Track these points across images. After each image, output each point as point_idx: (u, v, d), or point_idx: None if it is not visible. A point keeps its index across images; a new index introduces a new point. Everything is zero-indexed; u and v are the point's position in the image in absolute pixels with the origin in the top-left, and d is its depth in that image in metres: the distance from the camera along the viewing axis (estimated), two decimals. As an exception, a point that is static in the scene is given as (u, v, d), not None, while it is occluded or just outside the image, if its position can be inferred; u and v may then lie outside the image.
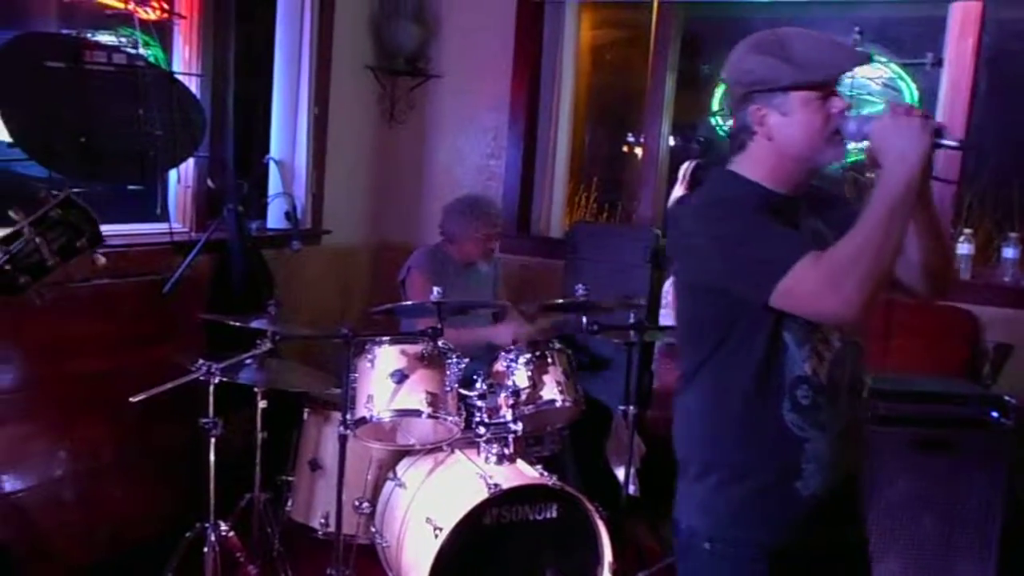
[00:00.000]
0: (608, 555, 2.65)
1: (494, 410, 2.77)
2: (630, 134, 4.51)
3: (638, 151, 4.40)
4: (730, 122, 1.59)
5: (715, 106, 4.11)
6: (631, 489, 3.26)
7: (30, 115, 2.72)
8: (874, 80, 3.74)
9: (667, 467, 3.66)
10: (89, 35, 3.08)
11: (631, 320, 3.10)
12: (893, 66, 3.71)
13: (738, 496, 1.53)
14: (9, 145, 2.71)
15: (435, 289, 2.68)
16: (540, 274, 4.13)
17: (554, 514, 2.61)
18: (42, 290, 1.19)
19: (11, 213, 1.25)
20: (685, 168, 3.20)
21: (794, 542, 1.53)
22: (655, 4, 4.02)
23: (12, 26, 2.93)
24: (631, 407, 3.01)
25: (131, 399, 2.39)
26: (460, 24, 4.29)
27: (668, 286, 3.89)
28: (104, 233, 3.12)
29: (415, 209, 4.40)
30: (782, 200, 1.52)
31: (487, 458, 2.72)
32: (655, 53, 4.03)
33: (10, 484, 2.80)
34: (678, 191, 3.18)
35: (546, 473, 2.67)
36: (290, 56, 3.74)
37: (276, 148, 3.81)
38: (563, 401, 2.84)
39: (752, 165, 1.53)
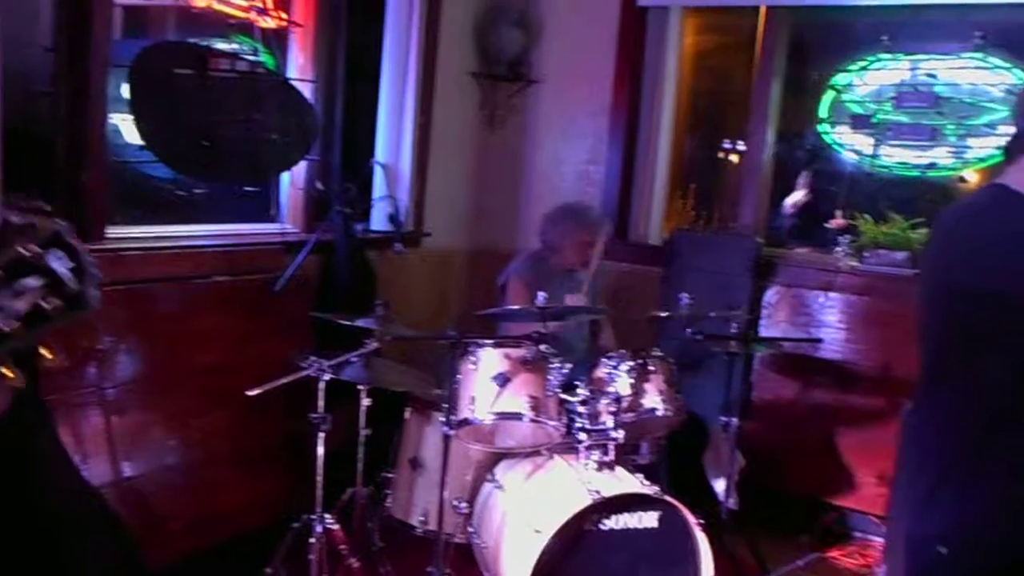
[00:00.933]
0: (707, 569, 2.61)
1: (595, 416, 2.76)
2: (726, 140, 4.43)
3: (733, 158, 4.33)
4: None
5: (823, 113, 4.01)
6: (730, 503, 3.21)
7: (159, 119, 2.87)
8: (996, 87, 3.58)
9: (766, 481, 3.60)
10: (205, 42, 3.24)
11: (733, 330, 3.06)
12: (1017, 72, 3.54)
13: (987, 505, 1.47)
14: (140, 148, 2.87)
15: (540, 294, 2.70)
16: (638, 281, 4.11)
17: (655, 524, 2.59)
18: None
19: None
20: (804, 176, 3.13)
21: None
22: (762, 9, 3.95)
23: (144, 35, 3.10)
24: (733, 419, 2.95)
25: (248, 392, 2.49)
26: (563, 30, 4.31)
27: (771, 295, 3.82)
28: (222, 232, 3.29)
29: (513, 214, 4.44)
30: None
31: (587, 464, 2.72)
32: (761, 59, 3.96)
33: (130, 469, 2.95)
34: (798, 198, 3.11)
35: (647, 482, 2.65)
36: (397, 62, 3.82)
37: (382, 152, 3.91)
38: (664, 410, 2.81)
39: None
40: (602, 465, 2.71)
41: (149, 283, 2.88)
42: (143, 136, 2.83)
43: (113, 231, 2.82)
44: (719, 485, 3.29)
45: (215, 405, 3.09)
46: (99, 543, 2.47)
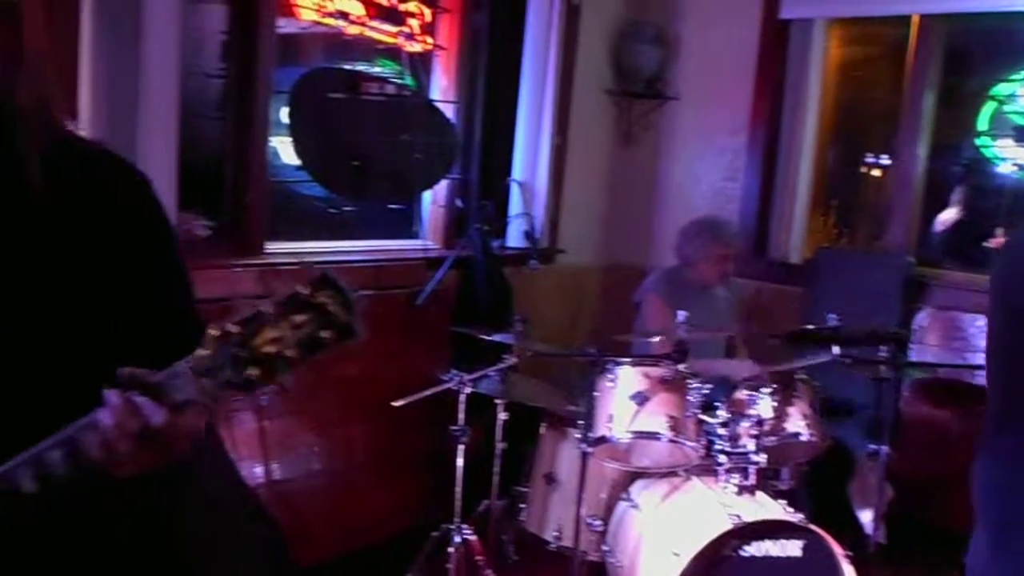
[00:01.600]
0: (854, 602, 2.50)
1: (735, 439, 2.70)
2: (869, 154, 4.26)
3: (877, 173, 4.15)
4: None
5: (982, 125, 3.78)
6: (878, 535, 3.06)
7: (314, 141, 3.03)
8: None
9: (915, 513, 3.40)
10: (347, 66, 3.40)
11: (883, 354, 2.92)
12: None
13: None
14: (296, 168, 3.04)
15: (680, 313, 2.67)
16: (777, 300, 3.99)
17: (798, 553, 2.50)
18: (278, 385, 0.95)
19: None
20: (958, 192, 2.97)
21: None
22: (914, 18, 3.78)
23: (296, 62, 3.29)
24: (883, 447, 2.82)
25: (393, 404, 2.59)
26: (700, 45, 4.26)
27: (922, 318, 3.63)
28: (369, 248, 3.42)
29: (648, 231, 4.41)
30: None
31: (726, 487, 2.66)
32: (913, 69, 3.79)
33: (279, 472, 3.11)
34: (951, 215, 2.96)
35: (791, 509, 2.57)
36: (535, 82, 3.89)
37: (519, 170, 3.97)
38: (809, 435, 2.72)
39: None
40: (742, 489, 2.64)
41: (303, 296, 3.04)
42: (300, 157, 3.00)
43: (271, 246, 3.00)
44: (865, 516, 3.14)
45: (358, 414, 3.22)
46: (254, 539, 2.63)
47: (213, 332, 0.91)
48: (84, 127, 2.38)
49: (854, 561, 2.53)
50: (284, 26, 3.01)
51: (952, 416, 3.56)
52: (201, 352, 0.92)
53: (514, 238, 3.96)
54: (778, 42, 4.05)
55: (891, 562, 3.03)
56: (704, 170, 4.30)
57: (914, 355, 3.59)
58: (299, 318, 0.91)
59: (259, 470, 3.03)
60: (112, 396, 0.92)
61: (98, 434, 0.93)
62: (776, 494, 2.80)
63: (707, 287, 3.32)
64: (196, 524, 2.08)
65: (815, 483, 3.17)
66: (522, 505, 3.11)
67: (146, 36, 2.40)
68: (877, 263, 3.74)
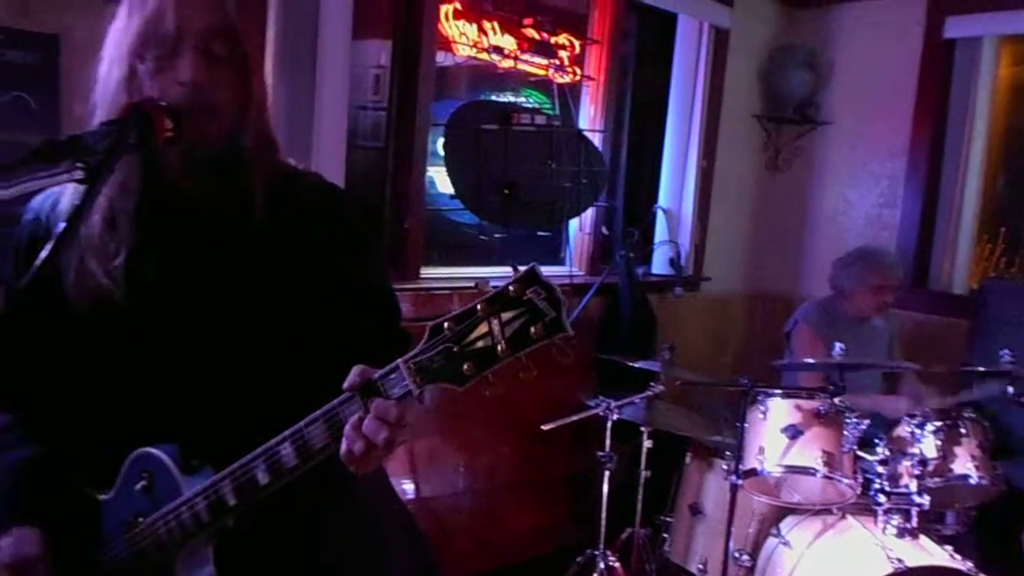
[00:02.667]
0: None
1: (895, 478, 2.58)
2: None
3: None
4: None
5: None
6: (1055, 591, 2.84)
7: (468, 171, 3.15)
8: None
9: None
10: (493, 97, 3.51)
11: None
12: None
13: None
14: (450, 196, 3.17)
15: (838, 345, 2.59)
16: (939, 334, 3.78)
17: (966, 603, 2.35)
18: (488, 381, 0.98)
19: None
20: None
21: None
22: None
23: (447, 95, 3.45)
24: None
25: (543, 427, 2.64)
26: (856, 69, 4.14)
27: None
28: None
29: (796, 259, 4.29)
30: None
31: (885, 529, 2.54)
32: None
33: (427, 488, 3.22)
34: None
35: (958, 556, 2.42)
36: (682, 109, 3.89)
37: (664, 197, 3.97)
38: (978, 478, 2.55)
39: None
40: (904, 532, 2.51)
41: (454, 319, 3.16)
42: (453, 186, 3.13)
43: (426, 271, 3.13)
44: (1043, 570, 2.91)
45: (503, 436, 3.29)
46: (406, 549, 2.74)
47: (429, 329, 0.98)
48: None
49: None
50: (442, 61, 3.16)
51: None
52: (418, 348, 0.98)
53: (659, 265, 3.95)
54: (941, 62, 3.87)
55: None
56: (858, 196, 4.15)
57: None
58: (508, 314, 0.96)
59: (408, 487, 3.14)
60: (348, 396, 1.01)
61: (329, 428, 1.03)
62: (940, 539, 2.65)
63: (863, 319, 3.19)
64: (353, 528, 2.20)
65: (984, 529, 2.98)
66: (666, 535, 3.08)
67: (321, 73, 2.58)
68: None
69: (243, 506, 1.11)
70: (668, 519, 3.10)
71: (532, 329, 0.96)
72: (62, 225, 0.98)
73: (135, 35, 1.12)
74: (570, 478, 3.32)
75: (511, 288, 0.96)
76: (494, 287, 0.96)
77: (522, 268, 0.96)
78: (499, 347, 0.96)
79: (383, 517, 2.79)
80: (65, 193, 1.20)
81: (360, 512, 2.42)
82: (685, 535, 3.02)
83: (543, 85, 3.49)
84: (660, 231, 3.99)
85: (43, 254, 0.95)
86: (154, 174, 1.19)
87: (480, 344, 0.97)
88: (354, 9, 2.68)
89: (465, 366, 0.97)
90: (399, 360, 0.99)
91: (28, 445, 1.24)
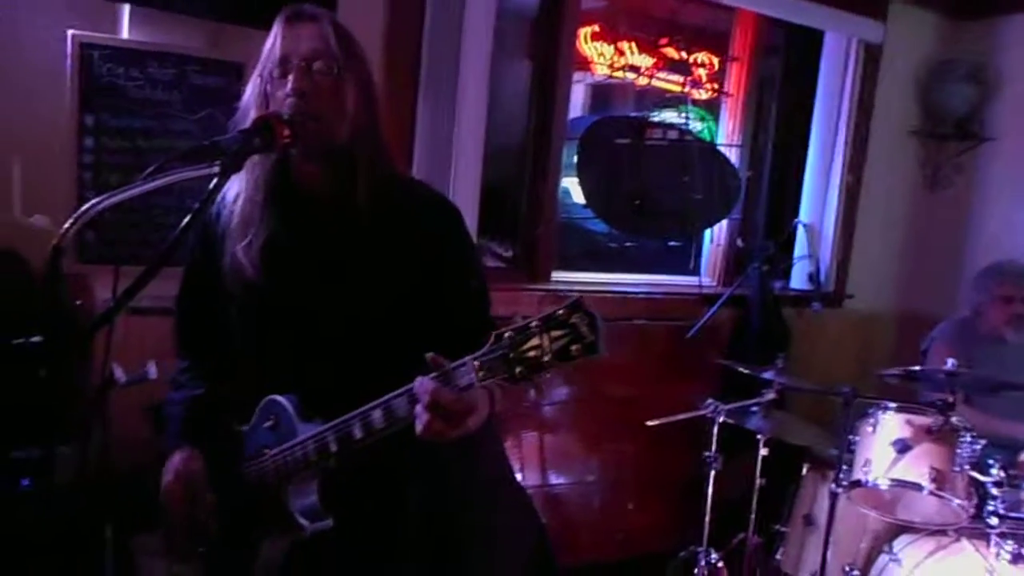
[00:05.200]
0: None
1: (1014, 504, 2.50)
2: None
3: None
4: None
5: None
6: None
7: (599, 182, 3.36)
8: None
9: None
10: (654, 114, 3.67)
11: None
12: None
13: None
14: (583, 206, 3.39)
15: (950, 360, 2.55)
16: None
17: (1079, 636, 2.25)
18: (534, 385, 1.17)
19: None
20: None
21: None
22: None
23: (602, 111, 3.67)
24: None
25: (648, 423, 2.79)
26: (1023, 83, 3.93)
27: None
28: (646, 281, 3.65)
29: (952, 281, 4.12)
30: None
31: (999, 554, 2.47)
32: None
33: (554, 478, 3.44)
34: None
35: (1073, 586, 2.33)
36: (827, 124, 3.88)
37: (806, 212, 3.97)
38: (1107, 511, 2.43)
39: None
40: (1018, 558, 2.43)
41: (581, 321, 3.36)
42: (585, 196, 3.34)
43: (557, 275, 3.36)
44: None
45: (626, 434, 3.44)
46: (522, 532, 2.97)
47: (493, 335, 1.20)
48: (416, 168, 2.93)
49: None
50: (580, 79, 3.39)
51: None
52: (484, 350, 1.21)
53: (798, 280, 3.95)
54: (1121, 75, 3.61)
55: None
56: (1023, 217, 3.93)
57: None
58: (556, 333, 1.16)
59: (537, 477, 3.38)
60: (423, 380, 1.25)
61: (410, 402, 1.28)
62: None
63: (1001, 338, 3.07)
64: (473, 503, 2.46)
65: None
66: (780, 545, 3.11)
67: (461, 95, 2.89)
68: None
69: (342, 453, 1.38)
70: (783, 529, 3.13)
71: (573, 347, 1.15)
72: (195, 205, 1.30)
73: (262, 61, 1.44)
74: (687, 480, 3.41)
75: (560, 312, 1.16)
76: (577, 299, 1.17)
77: (573, 297, 1.18)
78: (545, 358, 1.16)
79: (501, 497, 3.05)
80: (232, 186, 1.54)
81: (479, 485, 2.70)
82: (798, 545, 3.04)
83: (698, 102, 3.63)
84: (801, 246, 3.99)
85: (183, 225, 1.26)
86: (285, 173, 1.50)
87: (532, 354, 1.16)
88: (498, 31, 2.97)
89: (517, 369, 1.17)
90: (468, 357, 1.22)
91: (198, 385, 1.60)
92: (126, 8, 2.32)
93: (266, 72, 1.44)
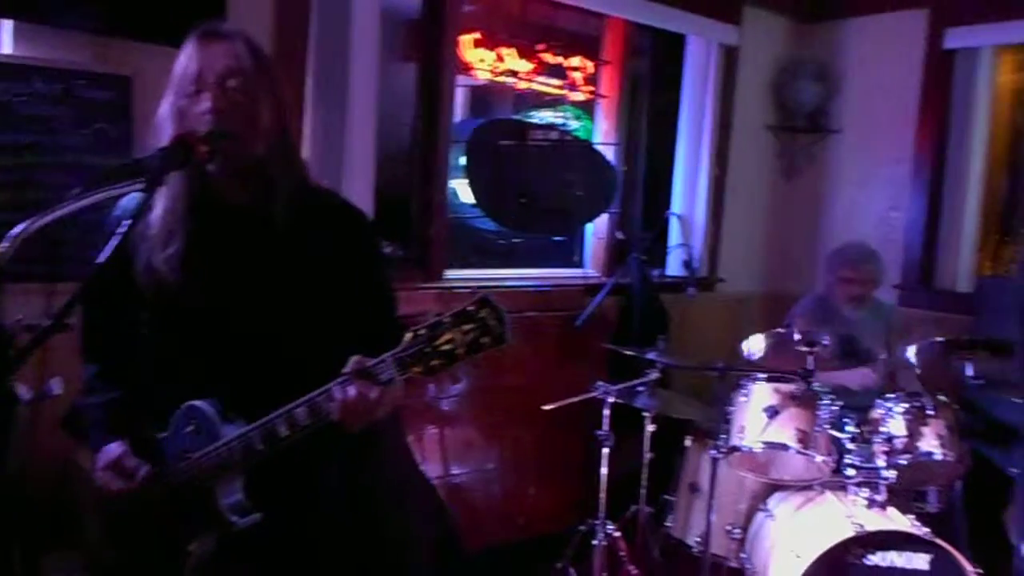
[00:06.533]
0: (987, 621, 2.54)
1: (868, 456, 2.82)
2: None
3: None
4: None
5: None
6: (1034, 566, 3.01)
7: (486, 182, 3.51)
8: None
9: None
10: (535, 115, 3.86)
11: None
12: None
13: None
14: (472, 206, 3.53)
15: (821, 335, 2.85)
16: (943, 330, 3.94)
17: (925, 567, 2.58)
18: (449, 374, 1.38)
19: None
20: None
21: None
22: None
23: (482, 115, 3.82)
24: (1026, 471, 2.80)
25: (543, 408, 2.97)
26: (863, 80, 4.36)
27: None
28: (534, 275, 3.83)
29: (809, 262, 4.50)
30: None
31: (856, 501, 2.78)
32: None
33: (456, 469, 3.57)
34: None
35: (918, 524, 2.65)
36: (693, 121, 4.18)
37: (678, 204, 4.26)
38: (943, 455, 2.77)
39: None
40: (872, 503, 2.75)
41: (475, 316, 3.52)
42: (474, 196, 3.49)
43: (449, 273, 3.49)
44: None
45: (523, 421, 3.61)
46: (428, 521, 3.09)
47: (409, 333, 1.32)
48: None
49: (986, 577, 2.57)
50: (462, 83, 3.53)
51: None
52: (401, 346, 1.33)
53: (674, 267, 4.24)
54: (942, 72, 4.06)
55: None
56: (867, 200, 4.36)
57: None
58: (467, 327, 1.29)
59: (439, 468, 3.50)
60: (346, 378, 1.37)
61: (336, 400, 1.39)
62: (926, 516, 2.86)
63: (849, 312, 3.43)
64: (384, 493, 2.56)
65: (977, 511, 3.17)
66: (670, 513, 3.36)
67: (351, 99, 2.97)
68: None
69: (268, 451, 1.47)
70: (671, 498, 3.37)
71: (483, 339, 1.28)
72: (127, 222, 1.37)
73: (176, 79, 1.50)
74: (584, 460, 3.62)
75: (470, 308, 1.29)
76: (484, 296, 1.30)
77: (480, 294, 1.31)
78: (459, 351, 1.29)
79: (409, 490, 3.16)
80: (135, 199, 1.59)
81: (390, 479, 2.79)
82: (685, 511, 3.30)
83: (576, 103, 3.84)
84: (675, 235, 4.27)
85: (113, 241, 1.33)
86: (204, 187, 1.56)
87: (446, 347, 1.29)
88: (383, 36, 3.06)
89: (433, 363, 1.30)
90: (387, 355, 1.34)
91: (113, 389, 1.64)
92: (9, 24, 2.29)
93: (181, 90, 1.50)
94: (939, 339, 2.96)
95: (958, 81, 4.05)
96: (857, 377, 3.22)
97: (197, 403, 1.56)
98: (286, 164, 1.57)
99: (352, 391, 1.37)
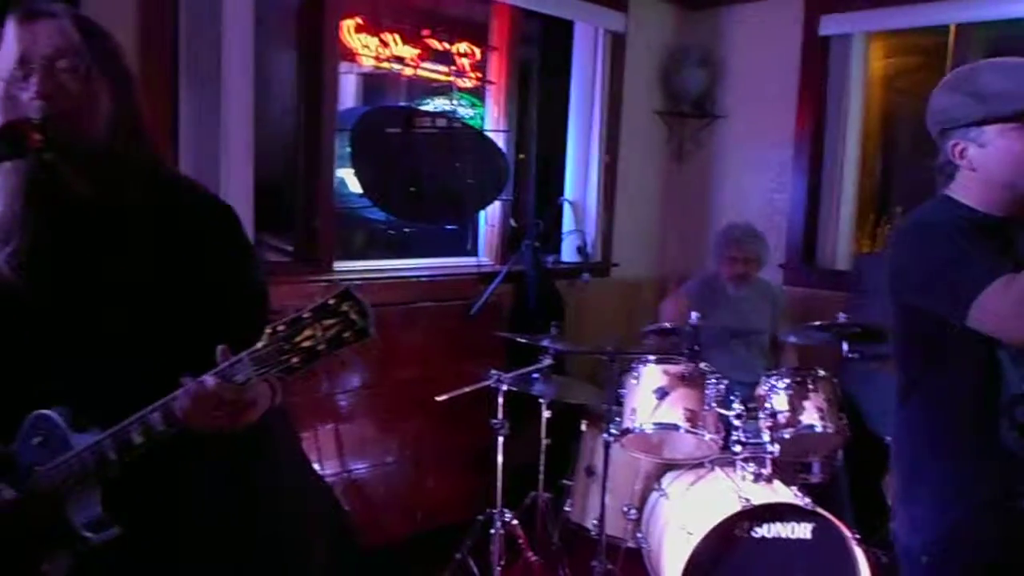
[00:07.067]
0: (867, 584, 2.65)
1: (754, 432, 2.90)
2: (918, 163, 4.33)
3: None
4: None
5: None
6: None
7: (374, 171, 3.43)
8: None
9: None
10: (427, 103, 3.80)
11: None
12: None
13: (956, 514, 1.56)
14: (359, 195, 3.45)
15: (693, 314, 2.90)
16: (824, 306, 4.10)
17: (808, 535, 2.67)
18: (312, 371, 1.23)
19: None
20: None
21: (1013, 561, 1.53)
22: (952, 28, 3.88)
23: (375, 103, 3.74)
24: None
25: (437, 399, 2.93)
26: (745, 66, 4.47)
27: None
28: (426, 265, 3.78)
29: (700, 244, 4.60)
30: (997, 222, 1.53)
31: (744, 476, 2.86)
32: (952, 78, 3.87)
33: (353, 464, 3.50)
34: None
35: (800, 494, 2.75)
36: (583, 109, 4.20)
37: (570, 190, 4.28)
38: (824, 428, 2.88)
39: (963, 191, 1.56)
40: (759, 477, 2.83)
41: (367, 308, 3.44)
42: (361, 186, 3.41)
43: (338, 265, 3.40)
44: (900, 510, 3.24)
45: (420, 413, 3.57)
46: (321, 521, 3.01)
47: (267, 330, 1.24)
48: (182, 164, 2.86)
49: (864, 544, 2.68)
50: (347, 70, 3.44)
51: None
52: (259, 345, 1.25)
53: (568, 253, 4.26)
54: (819, 58, 4.21)
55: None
56: (753, 183, 4.48)
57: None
58: (328, 322, 1.22)
59: (337, 465, 3.42)
60: (188, 378, 1.29)
61: (187, 403, 1.30)
62: (806, 487, 2.96)
63: (733, 290, 3.52)
64: (276, 497, 2.47)
65: (859, 480, 3.31)
66: (568, 497, 3.38)
67: (226, 85, 2.85)
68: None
69: (123, 461, 1.37)
70: (569, 482, 3.40)
71: (346, 334, 1.22)
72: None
73: (2, 64, 1.39)
74: (484, 449, 3.60)
75: (331, 302, 1.22)
76: (345, 288, 1.23)
77: (341, 286, 1.24)
78: (320, 347, 1.22)
79: (300, 492, 3.06)
80: None
81: (280, 481, 2.69)
82: (582, 495, 3.33)
83: (467, 90, 3.79)
84: (568, 222, 4.29)
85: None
86: (47, 178, 1.45)
87: (306, 344, 1.22)
88: (260, 20, 2.94)
89: (294, 360, 1.23)
90: (243, 353, 1.26)
91: None
92: None
93: (6, 75, 1.38)
94: (818, 323, 3.07)
95: (833, 67, 4.20)
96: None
97: (45, 412, 1.44)
98: (134, 150, 1.47)
99: (205, 393, 1.30)
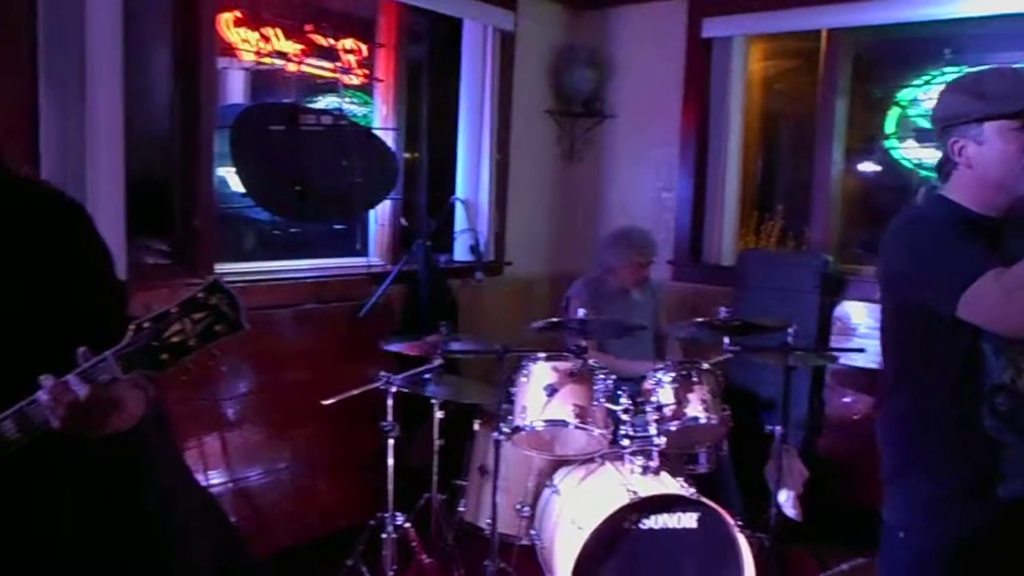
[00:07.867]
0: (750, 570, 2.73)
1: (642, 426, 2.95)
2: (795, 160, 4.53)
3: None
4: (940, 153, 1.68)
5: (889, 129, 4.04)
6: (792, 513, 3.30)
7: (257, 170, 3.32)
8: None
9: (833, 492, 3.63)
10: (317, 100, 3.70)
11: (786, 342, 3.16)
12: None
13: (937, 496, 1.64)
14: (242, 195, 3.34)
15: (580, 309, 2.93)
16: (709, 301, 4.22)
17: (694, 524, 2.73)
18: (183, 367, 1.21)
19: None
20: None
21: (988, 543, 1.61)
22: (824, 33, 4.05)
23: (262, 98, 3.61)
24: (779, 428, 3.06)
25: (323, 403, 2.86)
26: (633, 66, 4.56)
27: (845, 311, 3.88)
28: (314, 266, 3.69)
29: (592, 241, 4.66)
30: (987, 221, 1.61)
31: (632, 470, 2.90)
32: (824, 79, 4.05)
33: (242, 472, 3.38)
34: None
35: (686, 485, 2.81)
36: (473, 108, 4.19)
37: (462, 189, 4.26)
38: (708, 419, 2.96)
39: (958, 190, 1.64)
40: (646, 470, 2.89)
41: (251, 311, 3.31)
42: (243, 185, 3.29)
43: (220, 267, 3.28)
44: (781, 496, 3.37)
45: (310, 417, 3.48)
46: (206, 535, 2.89)
47: (132, 327, 1.20)
48: (44, 166, 2.69)
49: (748, 531, 2.77)
50: (228, 65, 3.32)
51: (871, 401, 3.78)
52: (124, 342, 1.20)
53: (461, 253, 4.24)
54: (702, 60, 4.33)
55: (804, 537, 3.26)
56: (642, 182, 4.57)
57: (836, 345, 3.84)
58: (197, 315, 1.20)
59: (224, 474, 3.30)
60: (47, 379, 1.22)
61: (42, 406, 1.22)
62: (693, 477, 3.04)
63: (626, 292, 3.58)
64: (155, 503, 2.35)
65: (743, 467, 3.42)
66: (462, 498, 3.36)
67: (91, 84, 2.69)
68: (796, 262, 3.99)
69: None
70: (462, 483, 3.38)
71: (217, 327, 1.21)
72: None
73: None
74: (376, 453, 3.54)
75: (200, 295, 1.21)
76: (214, 281, 1.23)
77: (209, 278, 1.23)
78: (191, 341, 1.20)
79: (180, 504, 2.93)
80: None
81: (158, 489, 2.56)
82: (476, 495, 3.31)
83: (356, 88, 3.71)
84: (460, 221, 4.28)
85: None
86: None
87: (175, 339, 1.20)
88: (131, 13, 2.80)
89: (163, 356, 1.21)
90: (107, 352, 1.21)
91: None
92: None
93: None
94: (700, 319, 3.15)
95: (715, 68, 4.33)
96: (639, 367, 3.35)
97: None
98: None
99: (64, 395, 1.22)
